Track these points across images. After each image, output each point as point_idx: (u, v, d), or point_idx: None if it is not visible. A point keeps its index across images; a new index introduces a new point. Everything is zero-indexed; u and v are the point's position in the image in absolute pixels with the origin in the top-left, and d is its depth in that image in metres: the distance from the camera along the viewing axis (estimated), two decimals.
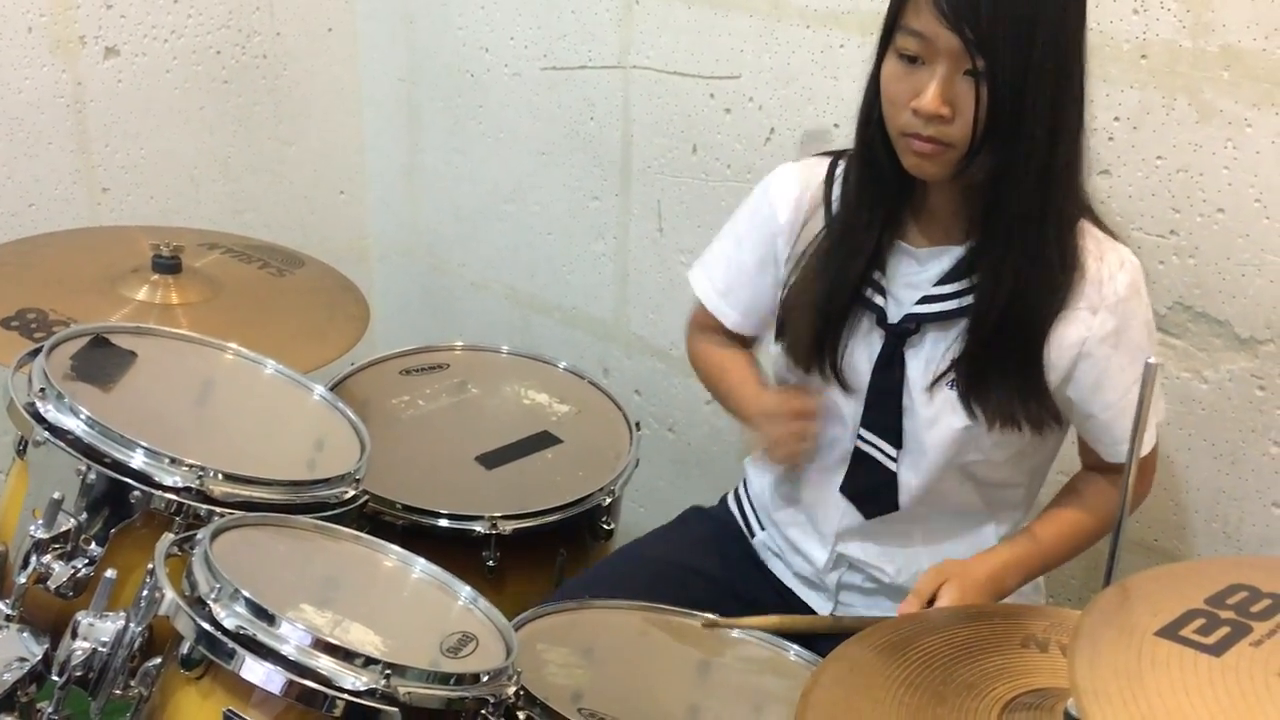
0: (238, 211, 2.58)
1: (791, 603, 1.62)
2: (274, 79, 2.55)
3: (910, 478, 1.48)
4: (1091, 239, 1.40)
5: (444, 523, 1.68)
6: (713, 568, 1.64)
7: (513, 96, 2.38)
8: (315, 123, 2.64)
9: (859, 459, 1.50)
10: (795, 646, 1.51)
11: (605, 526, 1.79)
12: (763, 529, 1.67)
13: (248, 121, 2.55)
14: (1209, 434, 1.65)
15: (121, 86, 2.36)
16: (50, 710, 1.30)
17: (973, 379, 1.41)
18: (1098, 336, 1.39)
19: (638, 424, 1.95)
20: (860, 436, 1.50)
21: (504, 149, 2.44)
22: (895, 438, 1.47)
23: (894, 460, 1.48)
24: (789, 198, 1.52)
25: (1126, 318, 1.40)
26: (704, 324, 1.66)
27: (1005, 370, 1.40)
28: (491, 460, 1.85)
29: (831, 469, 1.54)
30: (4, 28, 2.21)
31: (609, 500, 1.79)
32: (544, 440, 1.90)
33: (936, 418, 1.44)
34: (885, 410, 1.47)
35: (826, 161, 1.52)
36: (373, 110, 2.69)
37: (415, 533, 1.66)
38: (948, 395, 1.43)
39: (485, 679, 1.23)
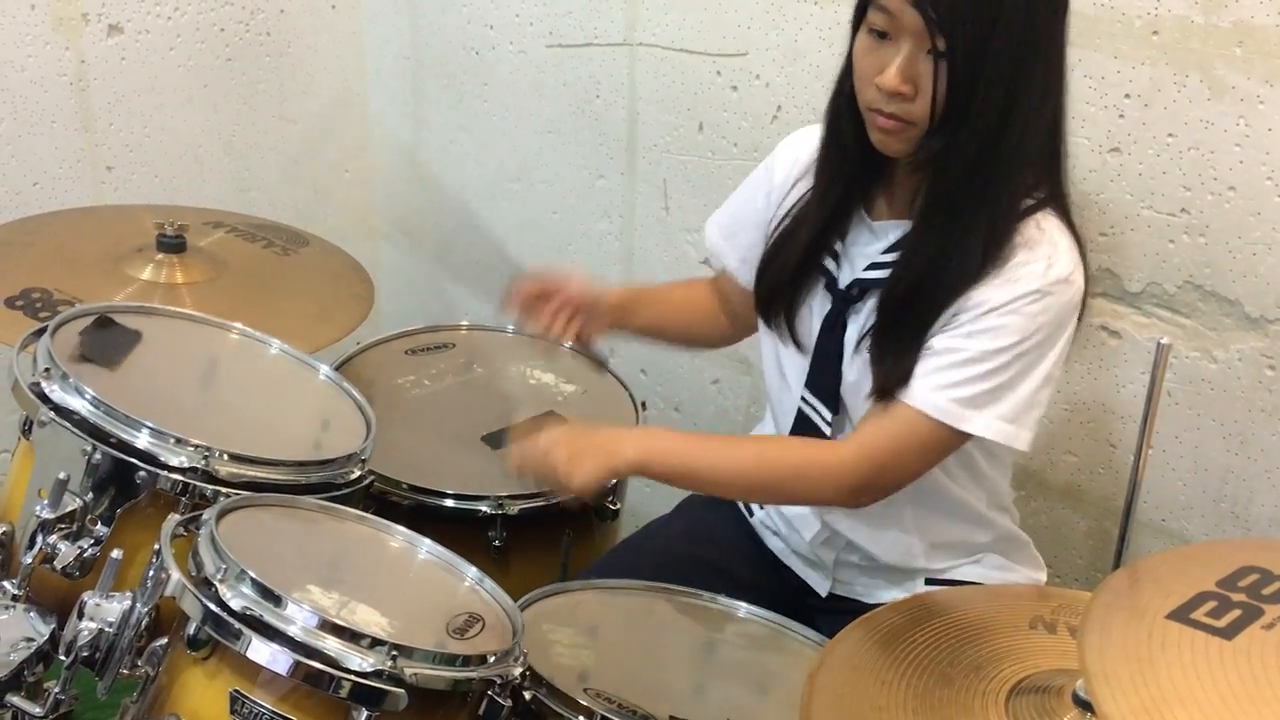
0: (242, 190, 2.57)
1: (792, 582, 1.63)
2: (278, 56, 2.54)
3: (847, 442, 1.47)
4: (1039, 230, 1.36)
5: (450, 503, 1.68)
6: (713, 554, 1.64)
7: (518, 74, 2.37)
8: (319, 101, 2.62)
9: (800, 420, 1.52)
10: (801, 627, 1.51)
11: (611, 507, 1.79)
12: (761, 507, 1.67)
13: (252, 99, 2.53)
14: (1218, 414, 1.64)
15: (125, 64, 2.35)
16: (57, 690, 1.30)
17: (876, 345, 1.42)
18: (978, 297, 1.34)
19: (644, 404, 1.94)
20: (803, 398, 1.51)
21: (509, 127, 2.43)
22: (833, 401, 1.49)
23: (829, 424, 1.49)
24: (788, 159, 1.56)
25: (1011, 299, 1.33)
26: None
27: (900, 340, 1.38)
28: (498, 440, 1.84)
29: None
30: (6, 5, 2.19)
31: (615, 481, 1.78)
32: (550, 420, 1.89)
33: (859, 382, 1.45)
34: (825, 372, 1.49)
35: None
36: (377, 88, 2.67)
37: (421, 513, 1.66)
38: (865, 359, 1.44)
39: (492, 660, 1.23)
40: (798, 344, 1.52)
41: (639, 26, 2.15)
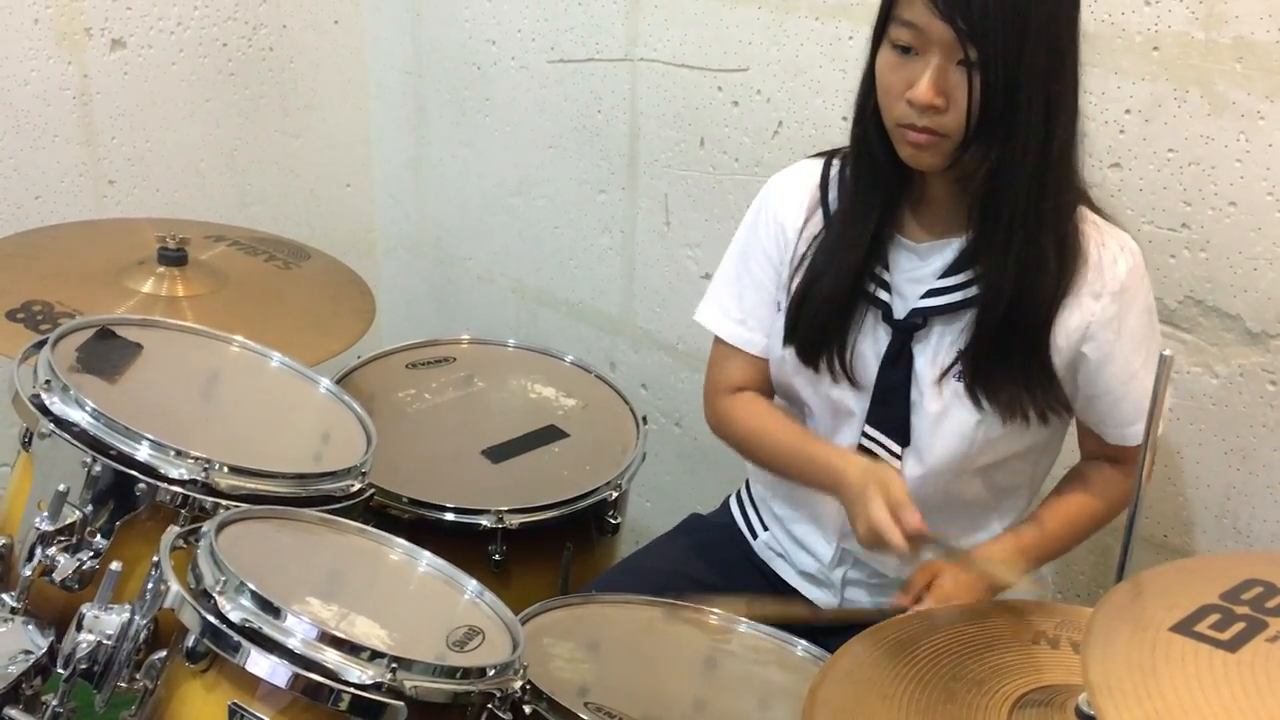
0: (244, 204, 2.57)
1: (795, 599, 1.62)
2: (280, 71, 2.55)
3: (915, 475, 1.47)
4: (1091, 225, 1.40)
5: (450, 516, 1.68)
6: (714, 577, 1.63)
7: (519, 89, 2.37)
8: (321, 115, 2.63)
9: (863, 455, 1.49)
10: (802, 641, 1.50)
11: (612, 521, 1.79)
12: (765, 529, 1.66)
13: (254, 114, 2.54)
14: (1219, 429, 1.64)
15: (128, 79, 2.36)
16: (55, 703, 1.29)
17: (979, 370, 1.41)
18: (1100, 322, 1.39)
19: (644, 418, 1.94)
20: (864, 434, 1.49)
21: (511, 142, 2.43)
22: (902, 435, 1.46)
23: (898, 458, 1.47)
24: (792, 203, 1.51)
25: (1128, 303, 1.40)
26: (726, 383, 1.59)
27: (1012, 360, 1.40)
28: (498, 454, 1.84)
29: None
30: (10, 20, 2.20)
31: (615, 495, 1.78)
32: (550, 434, 1.89)
33: (945, 412, 1.43)
34: (892, 406, 1.46)
35: (819, 163, 1.51)
36: (379, 103, 2.68)
37: (421, 526, 1.66)
38: (955, 388, 1.42)
39: (491, 673, 1.23)
40: (851, 381, 1.48)
41: (640, 42, 2.15)
